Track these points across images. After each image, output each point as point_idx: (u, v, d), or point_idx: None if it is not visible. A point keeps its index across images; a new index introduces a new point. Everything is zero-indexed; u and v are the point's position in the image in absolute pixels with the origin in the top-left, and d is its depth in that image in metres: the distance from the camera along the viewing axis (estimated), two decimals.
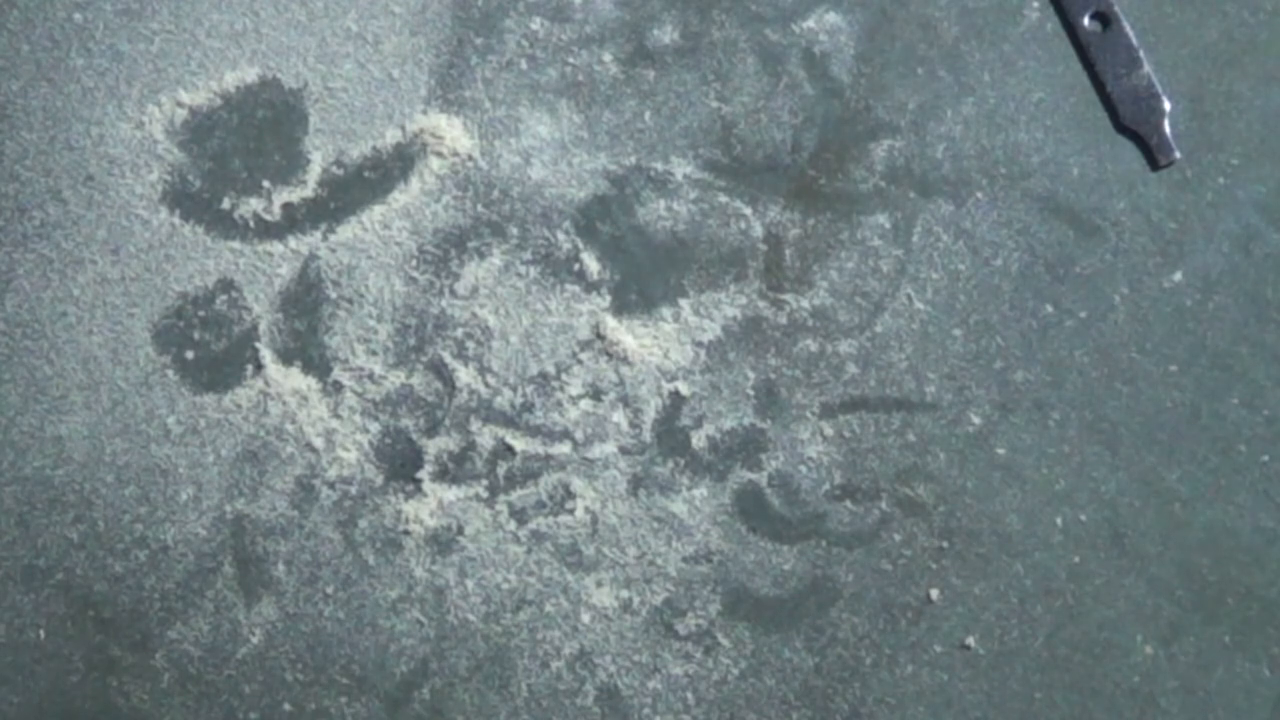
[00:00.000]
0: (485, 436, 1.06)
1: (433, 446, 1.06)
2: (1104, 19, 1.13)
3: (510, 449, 1.06)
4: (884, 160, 1.11)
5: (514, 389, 1.07)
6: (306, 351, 1.07)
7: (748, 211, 1.10)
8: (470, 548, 1.05)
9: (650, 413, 1.07)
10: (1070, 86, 1.13)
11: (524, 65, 1.10)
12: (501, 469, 1.06)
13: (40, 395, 1.06)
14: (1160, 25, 1.13)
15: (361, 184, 1.09)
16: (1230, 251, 1.10)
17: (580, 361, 1.07)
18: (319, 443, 1.06)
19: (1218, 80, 1.13)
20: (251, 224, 1.08)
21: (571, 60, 1.10)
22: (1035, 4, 1.14)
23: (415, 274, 1.07)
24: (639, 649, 1.04)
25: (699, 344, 1.08)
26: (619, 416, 1.07)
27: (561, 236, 1.08)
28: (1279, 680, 1.04)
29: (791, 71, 1.13)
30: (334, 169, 1.09)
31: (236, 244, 1.08)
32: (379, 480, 1.06)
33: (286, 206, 1.08)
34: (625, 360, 1.07)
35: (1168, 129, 1.11)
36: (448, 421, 1.06)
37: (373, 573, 1.05)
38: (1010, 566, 1.05)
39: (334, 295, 1.07)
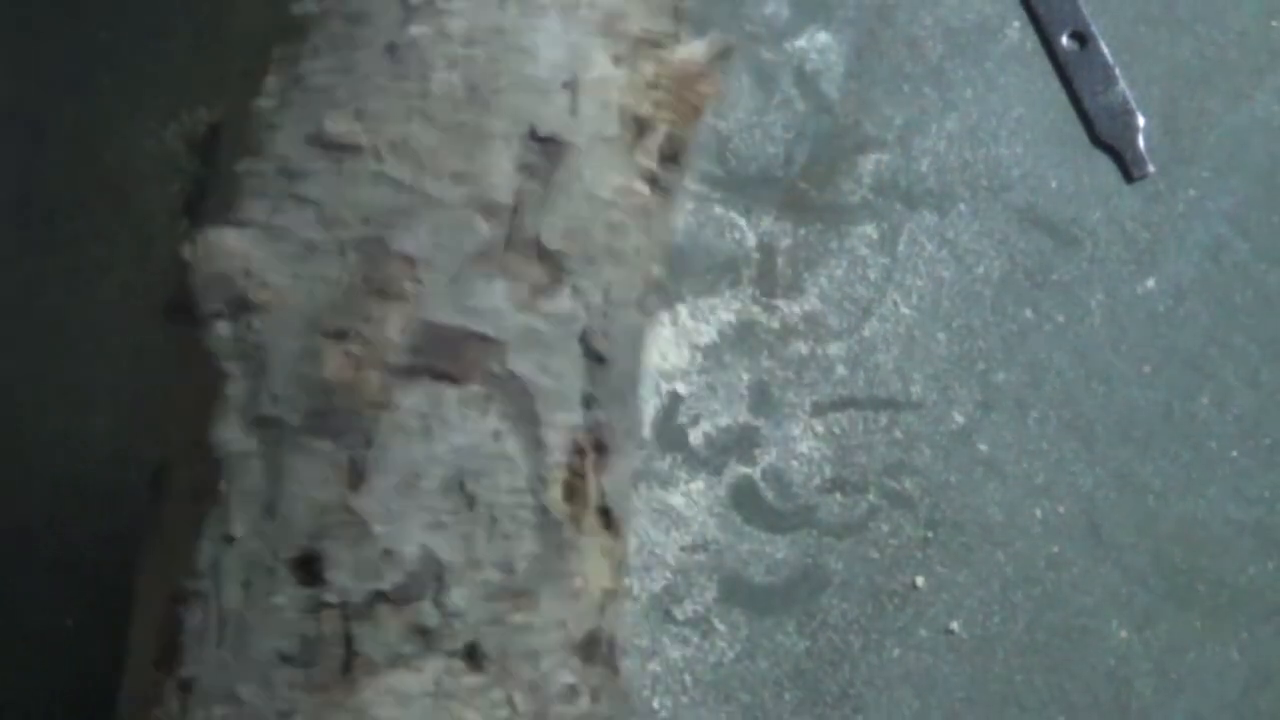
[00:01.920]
0: None
1: None
2: (1081, 38, 1.16)
3: None
4: (871, 173, 1.14)
5: None
6: None
7: (742, 222, 1.13)
8: None
9: (650, 411, 1.08)
10: (1049, 103, 1.16)
11: None
12: None
13: (69, 395, 1.07)
14: (1135, 44, 1.16)
15: None
16: (1201, 260, 1.13)
17: None
18: None
19: (1189, 97, 1.16)
20: None
21: None
22: (1016, 24, 1.16)
23: None
24: (639, 634, 1.04)
25: (696, 347, 1.10)
26: None
27: None
28: (1247, 663, 1.06)
29: (784, 89, 1.16)
30: None
31: None
32: None
33: None
34: None
35: (1141, 143, 1.14)
36: None
37: None
38: (992, 556, 1.07)
39: None
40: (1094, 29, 1.16)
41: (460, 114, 0.80)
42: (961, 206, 1.14)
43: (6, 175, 1.11)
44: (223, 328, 0.77)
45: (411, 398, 0.75)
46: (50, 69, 1.13)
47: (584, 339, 0.81)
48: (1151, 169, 1.14)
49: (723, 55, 0.93)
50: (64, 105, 1.12)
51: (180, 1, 1.14)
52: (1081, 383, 1.11)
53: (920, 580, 1.06)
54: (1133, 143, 1.15)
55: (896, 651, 1.05)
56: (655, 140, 0.86)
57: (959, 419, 1.10)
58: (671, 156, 0.87)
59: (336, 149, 0.79)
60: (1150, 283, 1.13)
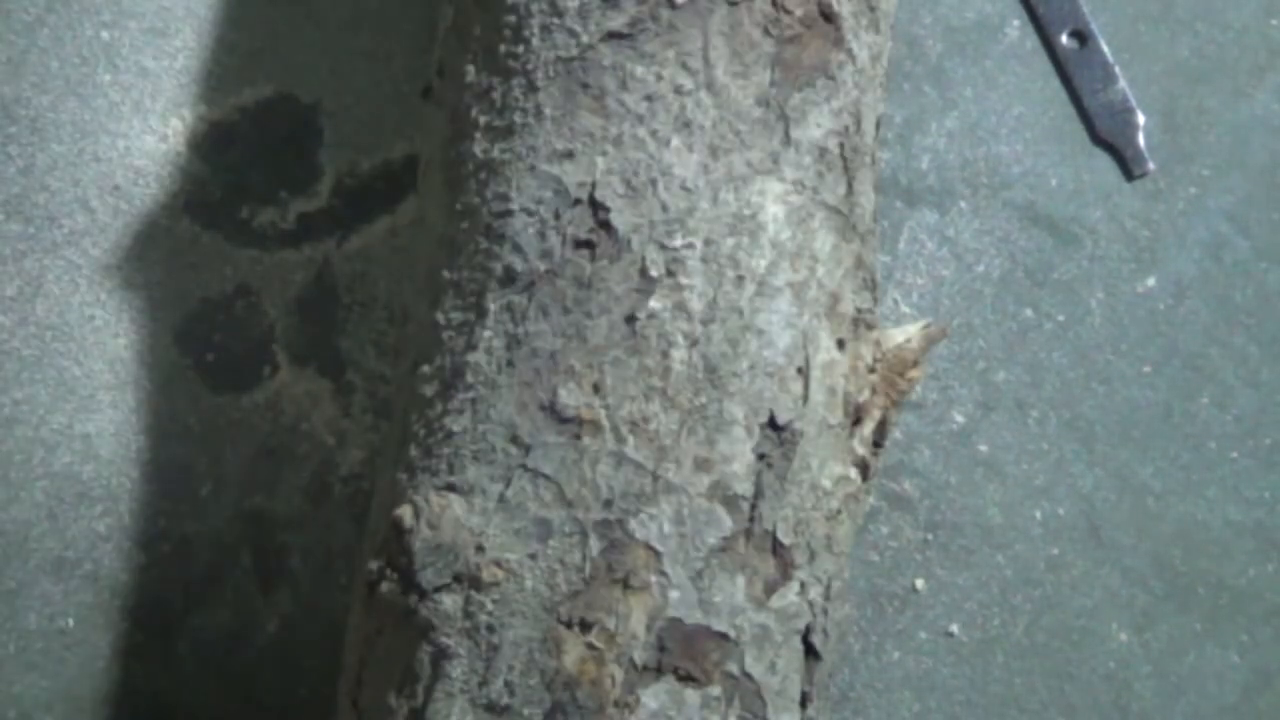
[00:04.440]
0: None
1: None
2: (1081, 37, 1.15)
3: None
4: None
5: None
6: (320, 354, 1.09)
7: None
8: None
9: None
10: (1049, 101, 1.15)
11: None
12: None
13: (69, 395, 1.07)
14: (1135, 43, 1.16)
15: (372, 194, 1.11)
16: (1201, 258, 1.13)
17: None
18: (332, 441, 1.07)
19: (1189, 95, 1.15)
20: (269, 232, 1.10)
21: None
22: (1015, 22, 1.16)
23: None
24: None
25: None
26: None
27: None
28: (1247, 665, 1.06)
29: None
30: (346, 180, 1.11)
31: (254, 251, 1.10)
32: None
33: (302, 216, 1.11)
34: None
35: (1142, 141, 1.14)
36: None
37: None
38: (992, 558, 1.07)
39: (347, 300, 1.09)
40: (1093, 27, 1.15)
41: (700, 396, 0.78)
42: (962, 204, 1.14)
43: (6, 175, 1.11)
44: (448, 602, 0.75)
45: (655, 698, 0.73)
46: (51, 68, 1.12)
47: (805, 636, 0.79)
48: (1151, 167, 1.14)
49: (935, 340, 0.91)
50: (65, 104, 1.12)
51: (180, 1, 1.14)
52: (1081, 382, 1.10)
53: (920, 583, 1.06)
54: (1133, 141, 1.14)
55: (897, 654, 1.05)
56: (869, 427, 0.85)
57: (959, 419, 1.10)
58: (878, 442, 0.85)
59: (573, 423, 0.76)
60: (1151, 281, 1.12)
